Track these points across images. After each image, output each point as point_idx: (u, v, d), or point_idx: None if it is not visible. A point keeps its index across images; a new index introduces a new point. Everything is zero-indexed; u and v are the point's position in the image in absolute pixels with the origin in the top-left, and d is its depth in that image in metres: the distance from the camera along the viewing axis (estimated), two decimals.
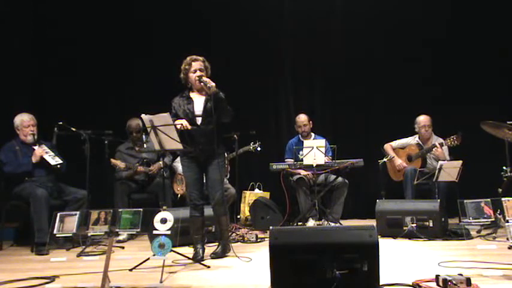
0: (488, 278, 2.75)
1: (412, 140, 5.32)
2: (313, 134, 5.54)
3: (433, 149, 4.96)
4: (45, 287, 2.97)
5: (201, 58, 3.73)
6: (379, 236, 2.52)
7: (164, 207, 3.34)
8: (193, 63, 3.68)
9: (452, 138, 4.82)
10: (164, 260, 3.05)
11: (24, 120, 4.54)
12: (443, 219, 4.28)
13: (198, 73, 3.65)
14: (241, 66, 6.15)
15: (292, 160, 5.12)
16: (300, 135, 5.55)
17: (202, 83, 3.59)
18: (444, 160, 4.94)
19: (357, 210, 5.92)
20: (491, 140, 4.75)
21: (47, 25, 6.06)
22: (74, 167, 4.73)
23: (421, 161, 5.17)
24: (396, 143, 5.39)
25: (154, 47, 6.11)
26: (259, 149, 5.49)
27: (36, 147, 4.48)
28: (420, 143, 5.24)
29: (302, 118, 5.50)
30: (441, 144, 4.92)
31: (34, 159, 4.44)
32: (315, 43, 6.25)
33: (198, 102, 3.68)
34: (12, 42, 5.62)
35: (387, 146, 5.39)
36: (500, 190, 4.39)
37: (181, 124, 3.50)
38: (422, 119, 5.21)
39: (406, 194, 4.95)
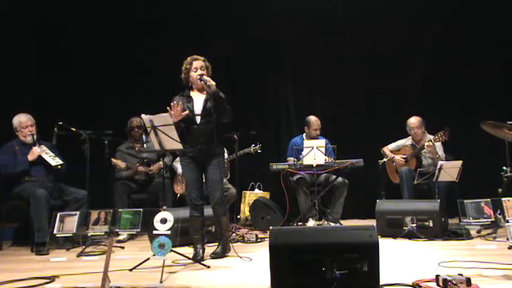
0: (488, 278, 2.75)
1: (406, 141, 5.35)
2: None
3: (425, 147, 4.97)
4: (45, 287, 2.97)
5: (201, 58, 3.74)
6: (379, 236, 2.52)
7: (164, 207, 3.34)
8: (194, 63, 3.70)
9: (440, 134, 4.84)
10: (164, 260, 3.05)
11: (22, 121, 4.54)
12: (443, 219, 4.28)
13: (200, 71, 3.66)
14: (241, 66, 6.15)
15: (295, 159, 5.09)
16: (304, 135, 5.54)
17: (202, 82, 3.60)
18: (438, 156, 4.96)
19: (357, 210, 5.92)
20: (491, 140, 4.76)
21: (47, 25, 6.06)
22: (74, 167, 4.73)
23: (416, 161, 5.18)
24: (392, 145, 5.42)
25: (154, 47, 6.11)
26: (259, 151, 5.48)
27: (35, 147, 4.48)
28: (414, 143, 5.26)
29: (318, 122, 5.45)
30: (430, 141, 4.92)
31: (30, 158, 4.44)
32: (315, 43, 6.25)
33: (198, 101, 3.69)
34: (14, 43, 5.62)
35: (384, 149, 5.43)
36: (500, 190, 4.39)
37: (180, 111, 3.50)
38: (413, 121, 5.23)
39: (403, 195, 4.96)
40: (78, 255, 3.91)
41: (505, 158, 4.58)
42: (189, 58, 3.74)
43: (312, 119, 5.51)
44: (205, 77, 3.60)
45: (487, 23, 5.84)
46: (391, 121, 5.78)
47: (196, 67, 3.68)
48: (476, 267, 3.03)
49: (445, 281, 2.51)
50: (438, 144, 5.00)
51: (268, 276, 2.49)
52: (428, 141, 4.92)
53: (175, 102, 3.53)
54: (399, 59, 6.04)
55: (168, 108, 3.46)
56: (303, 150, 4.94)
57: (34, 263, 3.81)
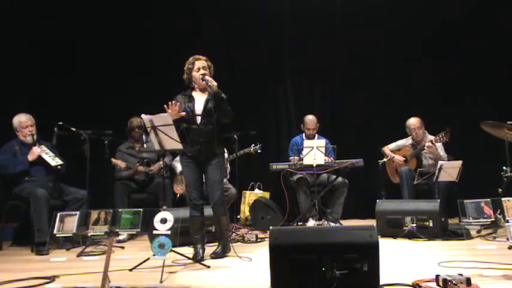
0: (488, 278, 2.75)
1: (406, 141, 5.35)
2: (316, 135, 5.53)
3: (425, 147, 4.97)
4: (45, 287, 2.97)
5: (204, 57, 3.75)
6: (379, 236, 2.52)
7: (164, 207, 3.34)
8: (196, 62, 3.70)
9: (441, 134, 4.85)
10: (164, 260, 3.05)
11: (22, 121, 4.54)
12: (443, 219, 4.28)
13: (202, 71, 3.67)
14: (241, 66, 6.14)
15: (297, 158, 5.08)
16: (303, 134, 5.54)
17: (204, 81, 3.60)
18: (439, 157, 4.96)
19: (357, 210, 5.92)
20: (491, 140, 4.76)
21: (47, 25, 6.05)
22: (74, 167, 4.73)
23: (416, 161, 5.19)
24: (392, 145, 5.43)
25: (154, 47, 6.11)
26: (259, 151, 5.48)
27: (35, 147, 4.48)
28: (414, 143, 5.26)
29: (313, 121, 5.47)
30: (431, 142, 4.92)
31: (30, 158, 4.44)
32: (315, 43, 6.25)
33: (199, 101, 3.69)
34: (14, 43, 5.62)
35: (385, 149, 5.44)
36: (500, 190, 4.39)
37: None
38: (412, 122, 5.23)
39: (403, 195, 4.96)
40: (78, 255, 3.91)
41: (505, 158, 4.58)
42: (191, 58, 3.75)
43: (307, 118, 5.52)
44: (207, 77, 3.61)
45: (487, 23, 5.84)
46: (391, 121, 5.78)
47: (199, 66, 3.69)
48: (476, 267, 3.03)
49: (445, 281, 2.51)
50: (439, 145, 5.00)
51: (268, 276, 2.49)
52: (429, 142, 4.91)
53: (174, 101, 3.53)
54: (399, 59, 6.04)
55: (165, 106, 3.47)
56: (303, 149, 4.95)
57: (34, 263, 3.80)
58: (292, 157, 5.18)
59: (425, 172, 4.86)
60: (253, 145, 5.49)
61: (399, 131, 5.40)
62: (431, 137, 5.01)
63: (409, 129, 5.27)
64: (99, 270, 2.74)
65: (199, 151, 3.64)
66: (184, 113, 3.58)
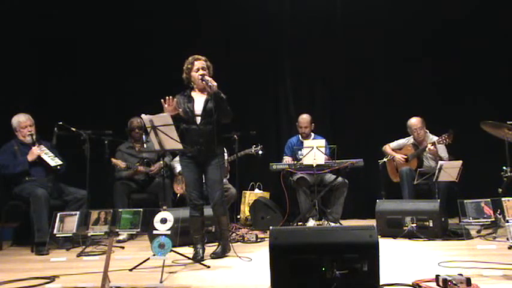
0: (488, 278, 2.75)
1: (408, 141, 5.35)
2: (312, 134, 5.53)
3: (427, 149, 4.97)
4: (45, 287, 2.97)
5: (203, 57, 3.75)
6: (379, 236, 2.52)
7: (164, 207, 3.34)
8: (195, 62, 3.70)
9: (444, 136, 4.84)
10: (164, 260, 3.05)
11: (21, 121, 4.54)
12: (443, 219, 4.28)
13: (201, 71, 3.66)
14: (241, 66, 6.14)
15: (291, 158, 5.09)
16: (300, 135, 5.55)
17: (204, 82, 3.60)
18: (440, 158, 4.95)
19: (357, 210, 5.92)
20: (491, 140, 4.76)
21: (47, 25, 6.05)
22: (74, 167, 4.73)
23: (416, 161, 5.18)
24: (393, 144, 5.42)
25: (154, 47, 6.11)
26: (260, 152, 5.46)
27: (35, 148, 4.48)
28: (415, 143, 5.26)
29: (306, 119, 5.47)
30: (433, 144, 4.92)
31: (30, 158, 4.44)
32: (315, 43, 6.25)
33: (199, 101, 3.69)
34: (14, 43, 5.62)
35: (386, 147, 5.43)
36: (500, 190, 4.39)
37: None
38: (414, 122, 5.22)
39: (404, 195, 4.96)
40: (78, 255, 3.91)
41: (505, 158, 4.58)
42: (190, 58, 3.74)
43: (300, 117, 5.53)
44: (206, 77, 3.61)
45: (487, 23, 5.84)
46: (391, 121, 5.78)
47: (198, 67, 3.69)
48: (476, 267, 3.03)
49: (445, 281, 2.51)
50: (441, 146, 4.99)
51: (268, 276, 2.49)
52: (431, 144, 4.90)
53: (170, 97, 3.53)
54: (399, 59, 6.04)
55: (162, 100, 3.47)
56: (299, 150, 4.95)
57: (34, 263, 3.81)
58: (287, 158, 5.19)
59: (425, 172, 4.86)
60: (254, 146, 5.49)
61: (399, 131, 5.40)
62: (433, 137, 5.00)
63: (410, 129, 5.26)
64: (99, 270, 2.75)
65: (199, 151, 3.64)
66: (181, 110, 3.58)
